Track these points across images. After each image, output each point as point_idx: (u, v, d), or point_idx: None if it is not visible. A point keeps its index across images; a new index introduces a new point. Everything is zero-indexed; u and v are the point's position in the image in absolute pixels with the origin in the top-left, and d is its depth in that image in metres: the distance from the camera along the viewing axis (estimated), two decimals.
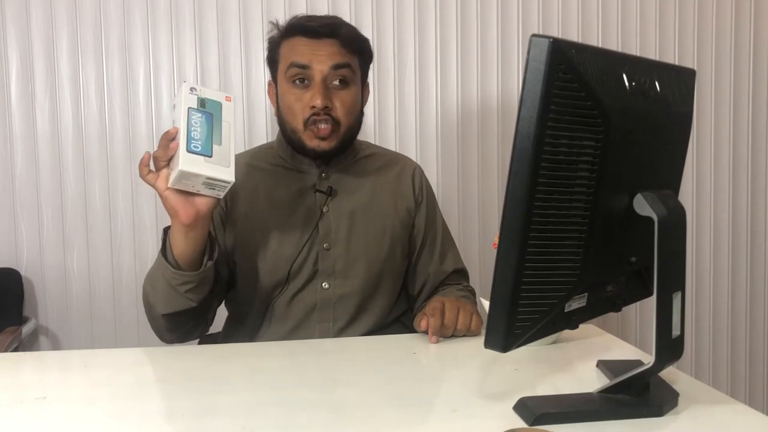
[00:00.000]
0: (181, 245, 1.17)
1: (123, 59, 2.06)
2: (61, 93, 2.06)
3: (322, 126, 1.30)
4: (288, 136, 1.36)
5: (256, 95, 2.09)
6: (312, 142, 1.32)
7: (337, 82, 1.31)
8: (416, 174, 1.48)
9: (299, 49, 1.31)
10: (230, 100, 1.16)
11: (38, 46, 2.04)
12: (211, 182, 1.10)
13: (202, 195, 1.13)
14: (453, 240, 1.52)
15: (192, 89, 1.13)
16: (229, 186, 1.12)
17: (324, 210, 1.36)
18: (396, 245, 1.41)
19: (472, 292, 1.47)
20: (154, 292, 1.23)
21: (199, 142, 1.10)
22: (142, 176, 1.14)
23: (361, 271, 1.36)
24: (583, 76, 0.72)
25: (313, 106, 1.29)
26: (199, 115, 1.11)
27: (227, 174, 1.10)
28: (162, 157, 1.11)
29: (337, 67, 1.30)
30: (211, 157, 1.10)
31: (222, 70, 2.10)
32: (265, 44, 1.40)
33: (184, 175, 1.08)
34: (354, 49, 1.34)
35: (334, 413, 0.87)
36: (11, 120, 2.05)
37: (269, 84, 1.42)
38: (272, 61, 1.38)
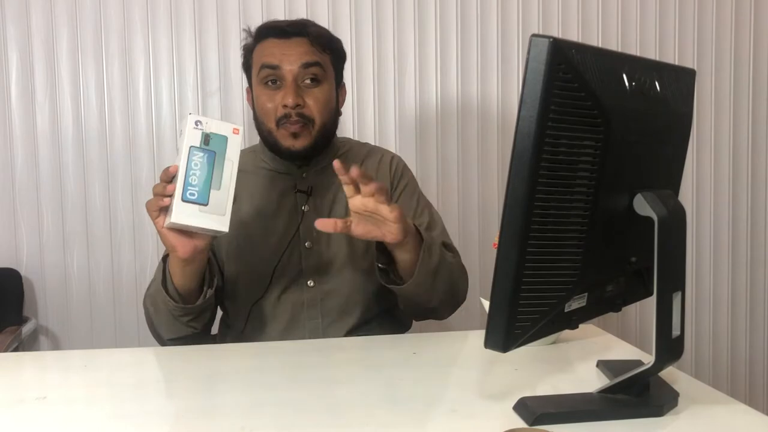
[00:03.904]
0: (179, 277, 1.20)
1: (123, 59, 2.06)
2: (61, 93, 2.06)
3: (293, 125, 1.32)
4: (264, 138, 1.38)
5: None
6: (287, 142, 1.33)
7: (308, 81, 1.33)
8: (393, 162, 1.47)
9: (270, 51, 1.34)
10: (238, 132, 1.12)
11: (38, 47, 2.04)
12: (204, 231, 1.12)
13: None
14: (442, 223, 1.48)
15: (197, 123, 1.09)
16: (222, 234, 1.12)
17: (304, 209, 1.37)
18: None
19: (460, 266, 1.39)
20: (158, 317, 1.27)
21: (196, 189, 1.08)
22: (149, 210, 1.13)
23: (344, 267, 1.37)
24: (583, 76, 0.72)
25: (285, 105, 1.31)
26: (201, 154, 1.09)
27: (221, 224, 1.10)
28: (160, 195, 1.11)
29: (307, 65, 1.32)
30: (206, 205, 1.09)
31: (222, 70, 2.10)
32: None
33: (176, 225, 1.09)
34: (324, 47, 1.36)
35: (334, 413, 0.87)
36: (11, 120, 2.05)
37: (246, 90, 1.44)
38: (247, 67, 1.41)
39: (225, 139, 1.11)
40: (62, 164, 2.07)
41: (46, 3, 2.03)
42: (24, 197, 2.06)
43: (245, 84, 2.08)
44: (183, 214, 1.08)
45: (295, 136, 1.32)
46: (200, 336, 1.31)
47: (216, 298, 1.30)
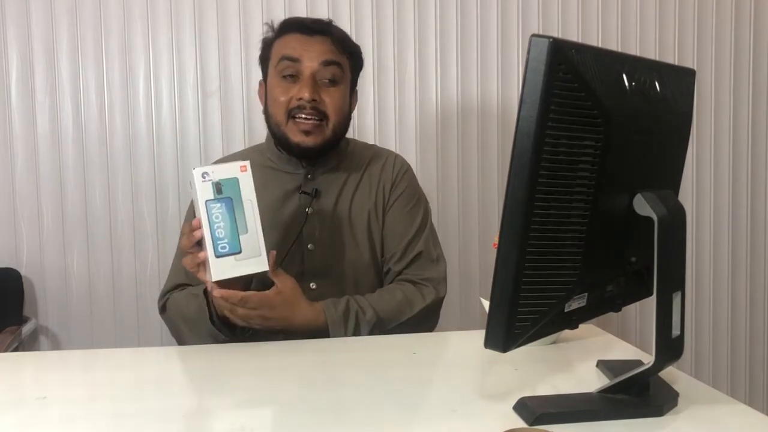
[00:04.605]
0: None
1: (123, 59, 2.06)
2: (61, 93, 2.06)
3: (308, 119, 1.31)
4: (273, 132, 1.38)
5: (256, 95, 2.09)
6: (296, 137, 1.33)
7: (326, 80, 1.33)
8: (395, 167, 1.46)
9: (292, 44, 1.34)
10: (246, 169, 1.11)
11: (38, 46, 2.04)
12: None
13: None
14: (428, 231, 1.45)
15: (204, 175, 1.08)
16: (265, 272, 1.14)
17: (308, 211, 1.37)
18: (377, 242, 1.41)
19: (435, 294, 1.38)
20: (196, 338, 1.28)
21: (226, 241, 1.09)
22: (188, 268, 1.16)
23: (346, 271, 1.37)
24: (583, 76, 0.72)
25: (300, 98, 1.31)
26: (218, 205, 1.09)
27: (259, 264, 1.11)
28: (194, 252, 1.13)
29: (327, 63, 1.33)
30: (240, 252, 1.10)
31: (222, 70, 2.10)
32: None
33: (219, 280, 1.11)
34: (345, 49, 1.36)
35: (334, 413, 0.87)
36: (11, 120, 2.05)
37: (260, 83, 1.44)
38: (264, 59, 1.41)
39: (236, 180, 1.10)
40: (62, 164, 2.07)
41: (46, 3, 2.03)
42: (24, 197, 2.06)
43: (245, 84, 2.10)
44: (221, 269, 1.09)
45: (306, 133, 1.32)
46: None
47: None
